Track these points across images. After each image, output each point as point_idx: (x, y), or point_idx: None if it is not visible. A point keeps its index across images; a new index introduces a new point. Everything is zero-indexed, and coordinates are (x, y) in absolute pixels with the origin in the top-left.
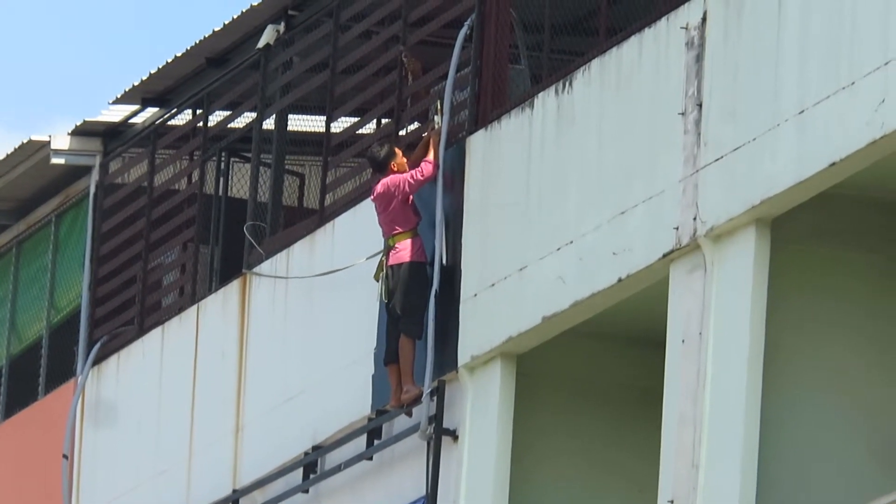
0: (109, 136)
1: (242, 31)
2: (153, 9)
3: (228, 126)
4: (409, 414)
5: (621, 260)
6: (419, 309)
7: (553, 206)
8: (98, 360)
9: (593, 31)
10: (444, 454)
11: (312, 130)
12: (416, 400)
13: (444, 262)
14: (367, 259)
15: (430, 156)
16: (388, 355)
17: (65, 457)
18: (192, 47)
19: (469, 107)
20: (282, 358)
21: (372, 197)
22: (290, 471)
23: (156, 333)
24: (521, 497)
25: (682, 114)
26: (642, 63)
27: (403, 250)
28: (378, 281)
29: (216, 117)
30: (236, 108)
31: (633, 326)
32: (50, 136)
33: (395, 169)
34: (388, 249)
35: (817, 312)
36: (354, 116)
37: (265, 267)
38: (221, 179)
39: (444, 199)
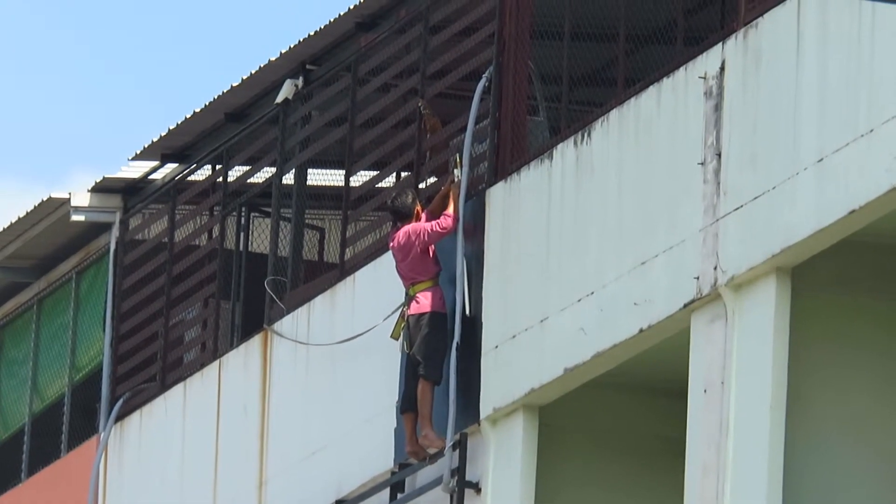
0: (129, 192)
1: (261, 86)
2: (170, 64)
3: (248, 181)
4: (433, 461)
5: (642, 310)
6: (439, 354)
7: (573, 258)
8: (120, 417)
9: (611, 82)
10: None
11: (332, 184)
12: (436, 447)
13: (467, 313)
14: (385, 319)
15: (450, 209)
16: (404, 403)
17: None
18: (210, 103)
19: (488, 159)
20: (304, 412)
21: (392, 245)
22: None
23: (178, 389)
24: None
25: (702, 163)
26: (661, 113)
27: (424, 301)
28: (397, 339)
29: (236, 172)
30: (256, 163)
31: (654, 377)
32: (70, 194)
33: (418, 213)
34: (409, 299)
35: (839, 360)
36: (374, 170)
37: (286, 321)
38: (241, 234)
39: (465, 251)
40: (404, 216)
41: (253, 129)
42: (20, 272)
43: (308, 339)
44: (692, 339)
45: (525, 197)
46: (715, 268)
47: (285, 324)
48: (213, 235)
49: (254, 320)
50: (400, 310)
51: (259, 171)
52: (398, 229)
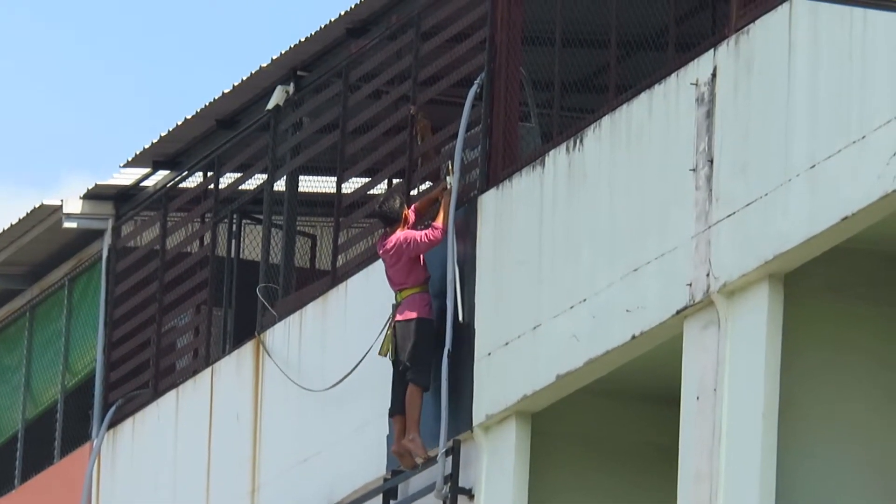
0: (121, 199)
1: (252, 92)
2: (162, 71)
3: (239, 188)
4: (425, 468)
5: (635, 317)
6: (427, 359)
7: (566, 264)
8: (113, 424)
9: (603, 89)
10: None
11: (323, 191)
12: (420, 454)
13: (460, 320)
14: (374, 343)
15: (440, 220)
16: (393, 406)
17: None
18: (201, 109)
19: (480, 165)
20: (296, 419)
21: (381, 251)
22: None
23: (170, 396)
24: None
25: (694, 170)
26: (653, 120)
27: (411, 307)
28: (385, 355)
29: (227, 179)
30: (247, 170)
31: (647, 383)
32: (62, 201)
33: (406, 216)
34: (396, 306)
35: (831, 367)
36: (365, 177)
37: (278, 328)
38: (233, 241)
39: (457, 258)
40: (393, 221)
41: (244, 136)
42: (13, 279)
43: (300, 343)
44: (685, 345)
45: (517, 204)
46: (707, 274)
47: (277, 331)
48: (205, 242)
49: (246, 327)
50: (386, 326)
51: (250, 177)
52: (387, 234)
